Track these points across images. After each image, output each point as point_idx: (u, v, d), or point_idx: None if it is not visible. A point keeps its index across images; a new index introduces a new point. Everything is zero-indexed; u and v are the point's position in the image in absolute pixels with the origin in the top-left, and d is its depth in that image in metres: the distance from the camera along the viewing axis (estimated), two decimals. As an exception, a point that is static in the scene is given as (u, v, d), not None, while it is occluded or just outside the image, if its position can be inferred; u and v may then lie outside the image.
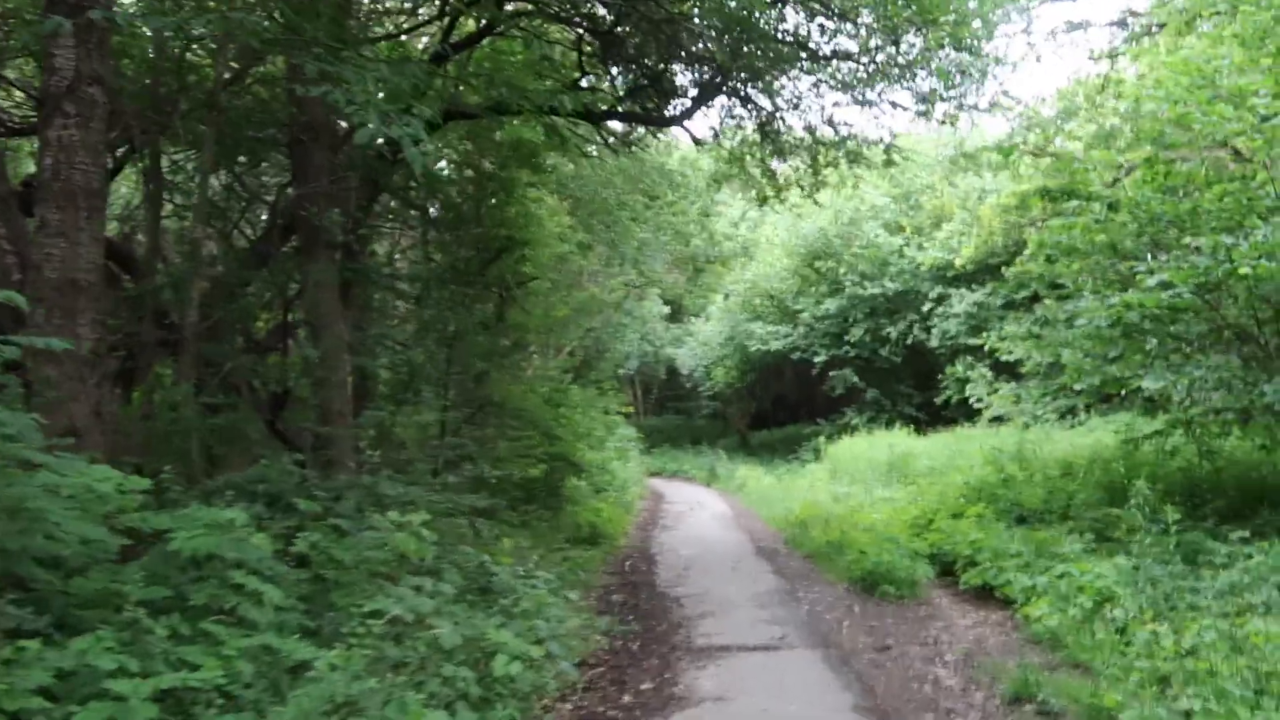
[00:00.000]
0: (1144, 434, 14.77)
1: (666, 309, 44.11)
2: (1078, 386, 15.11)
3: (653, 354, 46.21)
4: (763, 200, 19.28)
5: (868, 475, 23.50)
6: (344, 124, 11.09)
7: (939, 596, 13.11)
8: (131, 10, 6.67)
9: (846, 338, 34.22)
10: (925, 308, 32.28)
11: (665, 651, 9.76)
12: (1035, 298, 30.49)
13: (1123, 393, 16.60)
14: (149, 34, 8.44)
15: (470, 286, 16.64)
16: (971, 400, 28.94)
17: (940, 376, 31.62)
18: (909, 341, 33.11)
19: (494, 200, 16.38)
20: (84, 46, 6.42)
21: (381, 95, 6.45)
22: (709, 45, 12.79)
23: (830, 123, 16.69)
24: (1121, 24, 25.65)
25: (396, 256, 18.28)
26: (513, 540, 13.37)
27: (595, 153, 20.37)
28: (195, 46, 9.81)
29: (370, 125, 6.02)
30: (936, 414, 32.74)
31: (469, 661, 6.94)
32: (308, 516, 7.07)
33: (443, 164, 17.70)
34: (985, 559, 12.90)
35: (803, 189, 18.84)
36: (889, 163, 18.28)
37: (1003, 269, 29.23)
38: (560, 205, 21.01)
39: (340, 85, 6.31)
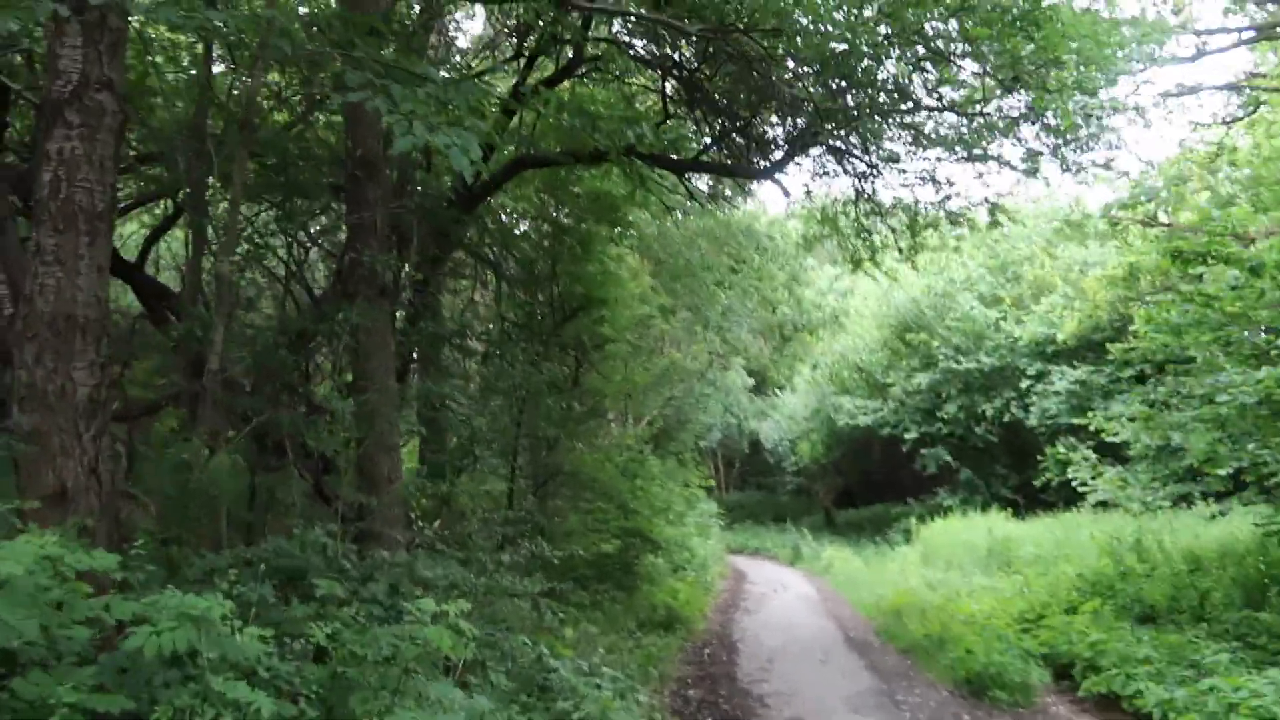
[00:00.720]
0: (1289, 527, 13.18)
1: (751, 380, 42.93)
2: (1220, 471, 13.59)
3: (736, 426, 44.91)
4: (856, 264, 18.12)
5: (964, 561, 21.98)
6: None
7: (1056, 705, 11.69)
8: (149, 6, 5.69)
9: (939, 414, 32.68)
10: (1023, 385, 30.69)
11: (750, 766, 8.52)
12: (1142, 377, 28.92)
13: (1247, 480, 15.12)
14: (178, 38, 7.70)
15: (544, 346, 15.65)
16: (1074, 483, 27.23)
17: (1040, 457, 29.90)
18: (1005, 420, 31.46)
19: (571, 256, 15.41)
20: (92, 46, 5.54)
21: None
22: (804, 87, 11.73)
23: (931, 178, 15.52)
24: (1236, 89, 24.15)
25: (467, 314, 17.34)
26: (579, 625, 12.19)
27: (679, 211, 19.46)
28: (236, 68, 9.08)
29: (412, 134, 5.03)
30: (1034, 497, 30.96)
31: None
32: (330, 600, 6.01)
33: (517, 218, 16.89)
34: (1109, 663, 11.48)
35: (900, 251, 17.65)
36: (994, 224, 17.04)
37: (1107, 345, 27.72)
38: (642, 265, 20.06)
39: (383, 95, 5.34)
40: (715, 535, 30.83)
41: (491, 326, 17.79)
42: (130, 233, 15.62)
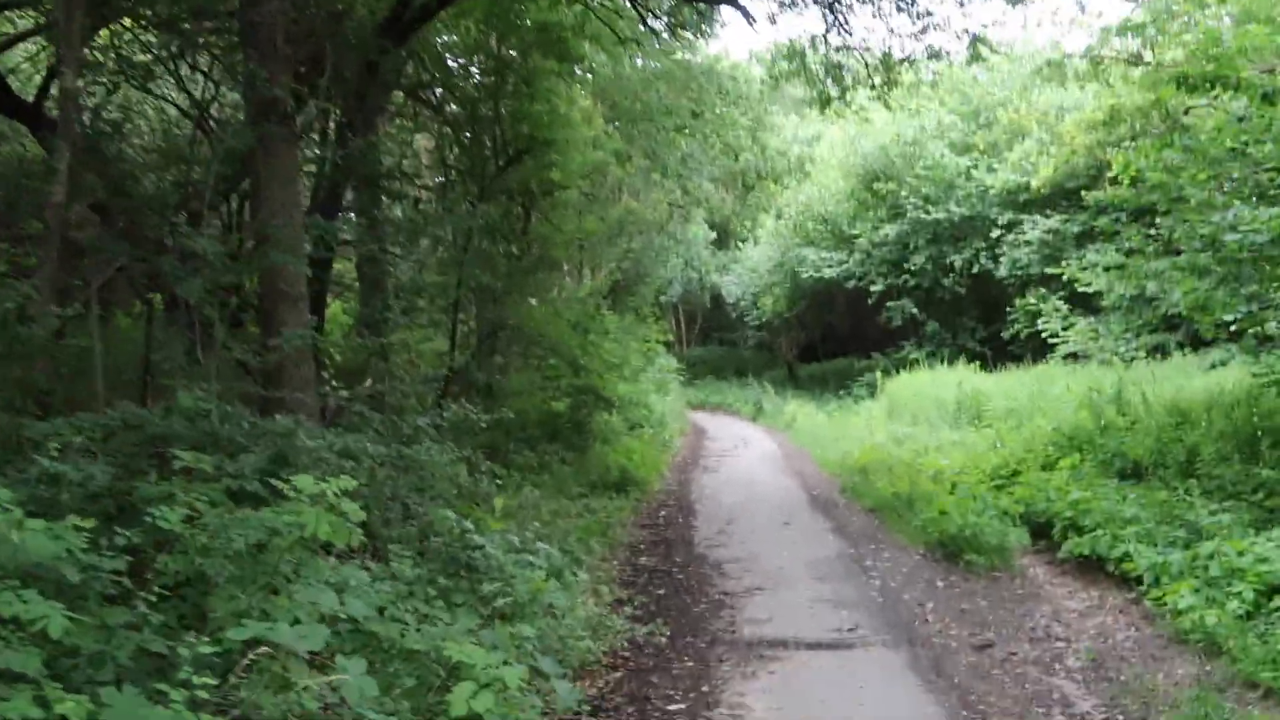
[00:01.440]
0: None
1: (713, 234, 41.65)
2: (1213, 320, 12.64)
3: (697, 280, 43.75)
4: (825, 103, 16.82)
5: (932, 415, 21.16)
6: None
7: (1034, 567, 10.90)
8: None
9: (906, 265, 31.55)
10: (994, 235, 29.61)
11: (704, 648, 7.56)
12: (1116, 225, 27.92)
13: (1244, 328, 14.17)
14: None
15: (486, 191, 14.38)
16: (1044, 335, 26.44)
17: (1009, 309, 29.08)
18: (974, 271, 30.43)
19: (516, 95, 14.03)
20: None
21: None
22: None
23: (909, 4, 14.17)
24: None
25: (406, 158, 15.98)
26: (522, 492, 11.22)
27: (635, 52, 18.02)
28: None
29: None
30: (1002, 349, 30.22)
31: (418, 691, 4.79)
32: (191, 478, 4.91)
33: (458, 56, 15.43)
34: (1093, 523, 10.62)
35: (873, 88, 16.36)
36: (975, 57, 15.77)
37: (1082, 193, 26.63)
38: (595, 108, 18.64)
39: None
40: (675, 391, 29.97)
41: (429, 172, 16.51)
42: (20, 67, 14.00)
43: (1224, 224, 10.51)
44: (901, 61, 15.79)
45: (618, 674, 6.90)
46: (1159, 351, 22.55)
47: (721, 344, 54.10)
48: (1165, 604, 8.41)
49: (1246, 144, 12.23)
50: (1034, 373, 22.27)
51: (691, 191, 26.76)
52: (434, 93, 16.14)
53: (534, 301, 16.02)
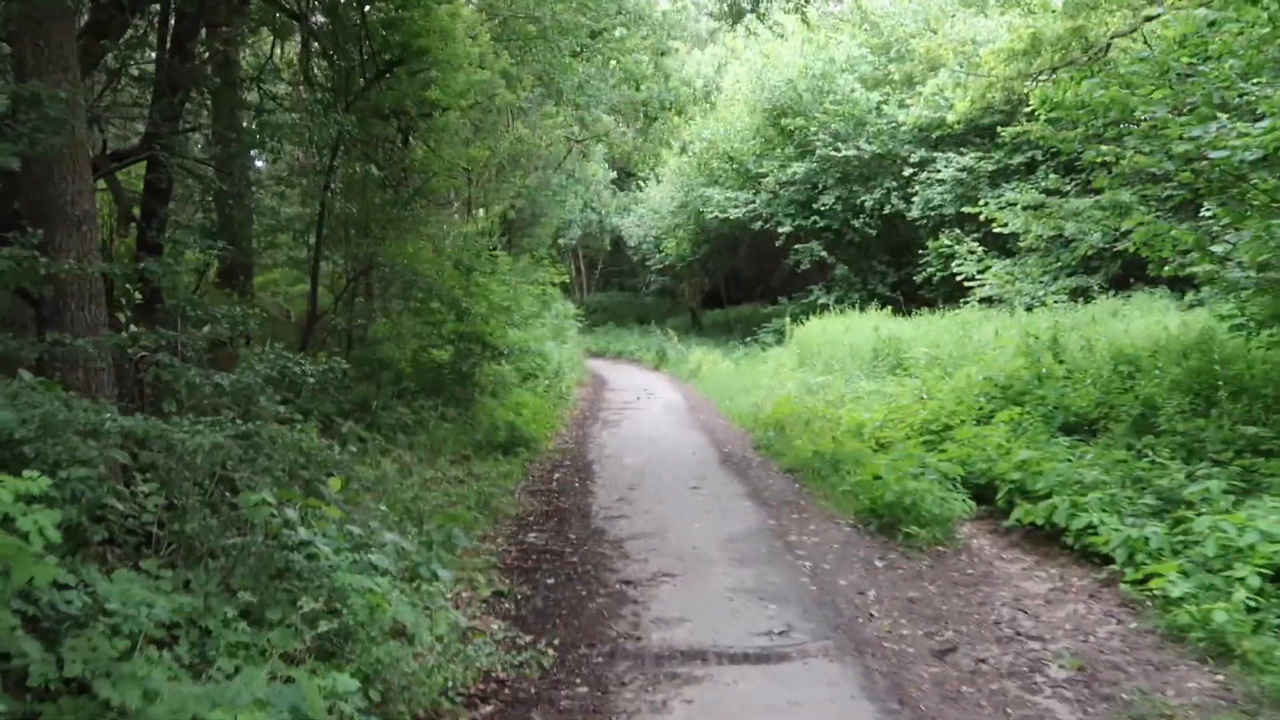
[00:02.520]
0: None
1: (613, 173, 39.86)
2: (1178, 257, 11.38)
3: (597, 223, 41.97)
4: (738, 16, 15.18)
5: (847, 363, 19.78)
6: None
7: (977, 538, 9.58)
8: None
9: (815, 206, 30.09)
10: (905, 174, 28.28)
11: (600, 664, 5.97)
12: (1033, 164, 26.80)
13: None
14: None
15: (351, 109, 12.49)
16: (959, 278, 25.30)
17: (921, 252, 27.88)
18: (885, 212, 29.08)
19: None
20: None
21: None
22: None
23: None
24: None
25: (265, 73, 13.97)
26: (385, 459, 9.54)
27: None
28: None
29: None
30: (914, 294, 29.05)
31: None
32: None
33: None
34: (1044, 488, 9.30)
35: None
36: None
37: (999, 129, 25.40)
38: (481, 23, 16.77)
39: None
40: (574, 339, 28.29)
41: (291, 90, 14.55)
42: None
43: (1205, 140, 9.06)
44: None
45: (488, 707, 5.29)
46: (1081, 295, 21.47)
47: (623, 289, 52.55)
48: (1150, 590, 7.07)
49: (1210, 55, 10.92)
50: (955, 318, 21.02)
51: (590, 125, 24.96)
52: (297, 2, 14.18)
53: (414, 239, 14.25)
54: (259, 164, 16.58)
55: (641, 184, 39.54)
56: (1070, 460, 9.82)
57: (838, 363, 20.15)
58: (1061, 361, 13.15)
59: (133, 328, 6.59)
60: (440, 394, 13.78)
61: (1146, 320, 15.20)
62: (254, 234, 14.12)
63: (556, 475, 12.51)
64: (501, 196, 25.03)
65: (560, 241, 41.61)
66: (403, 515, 7.82)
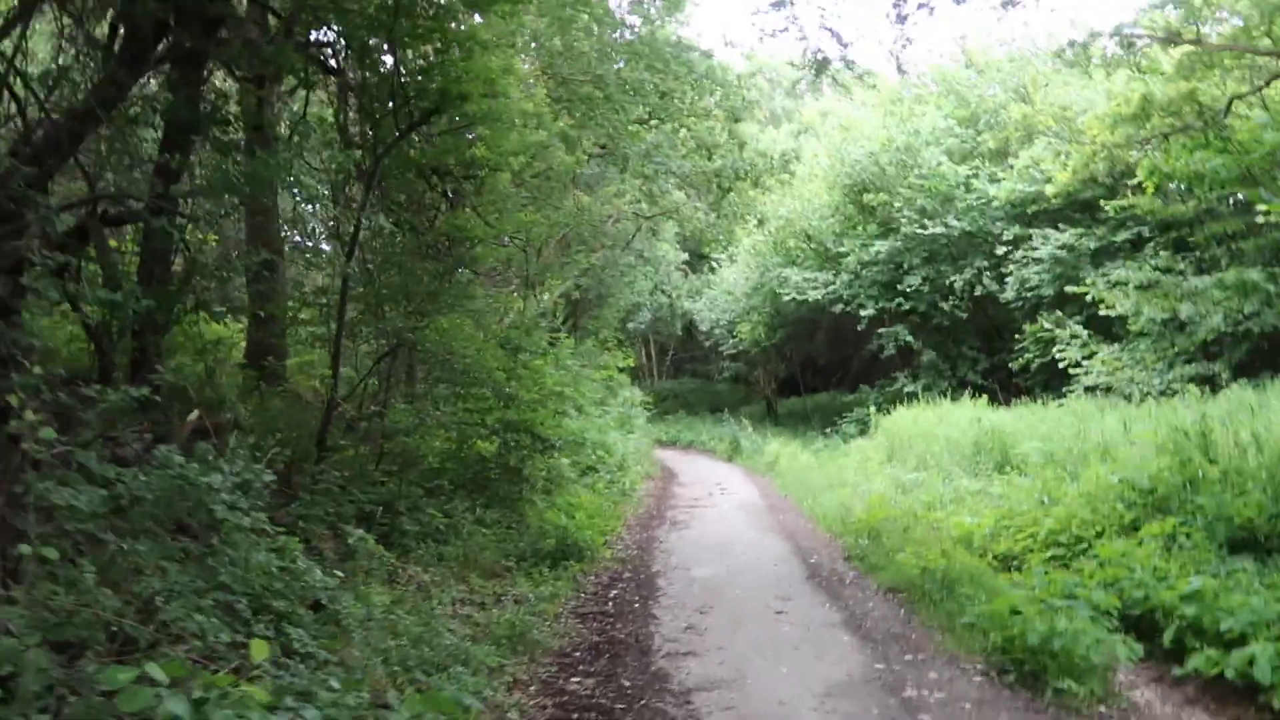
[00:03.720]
0: None
1: (684, 255, 38.26)
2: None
3: (668, 306, 40.29)
4: (820, 68, 13.48)
5: (943, 459, 17.68)
6: None
7: (1141, 689, 7.44)
8: None
9: (900, 287, 28.10)
10: (998, 252, 26.24)
11: None
12: (1140, 240, 24.67)
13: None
14: None
15: (386, 165, 10.90)
16: (1062, 365, 23.12)
17: (1017, 336, 25.74)
18: (976, 293, 26.99)
19: (419, 33, 10.54)
20: None
21: None
22: None
23: None
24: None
25: (298, 128, 12.45)
26: (384, 585, 7.72)
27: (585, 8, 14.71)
28: None
29: None
30: (1008, 382, 26.88)
31: None
32: None
33: None
34: (1235, 629, 7.21)
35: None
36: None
37: (1101, 203, 23.40)
38: (539, 79, 15.23)
39: None
40: (641, 428, 26.34)
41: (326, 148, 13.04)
42: None
43: None
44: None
45: None
46: (1206, 383, 19.17)
47: (695, 376, 50.68)
48: None
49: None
50: (1064, 409, 18.86)
51: (659, 199, 23.38)
52: (333, 52, 12.71)
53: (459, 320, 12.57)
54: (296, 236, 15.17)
55: (714, 265, 37.76)
56: (1252, 588, 7.73)
57: (933, 458, 18.06)
58: (1213, 462, 11.00)
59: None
60: (485, 492, 11.97)
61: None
62: (288, 308, 12.55)
63: (613, 592, 10.55)
64: (565, 275, 23.42)
65: (629, 326, 40.02)
66: (397, 669, 5.94)
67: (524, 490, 12.50)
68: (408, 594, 7.86)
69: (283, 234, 13.88)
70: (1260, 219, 11.79)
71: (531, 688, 7.12)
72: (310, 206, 13.41)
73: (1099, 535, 10.62)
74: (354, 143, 12.24)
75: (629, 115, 18.08)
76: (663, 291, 38.33)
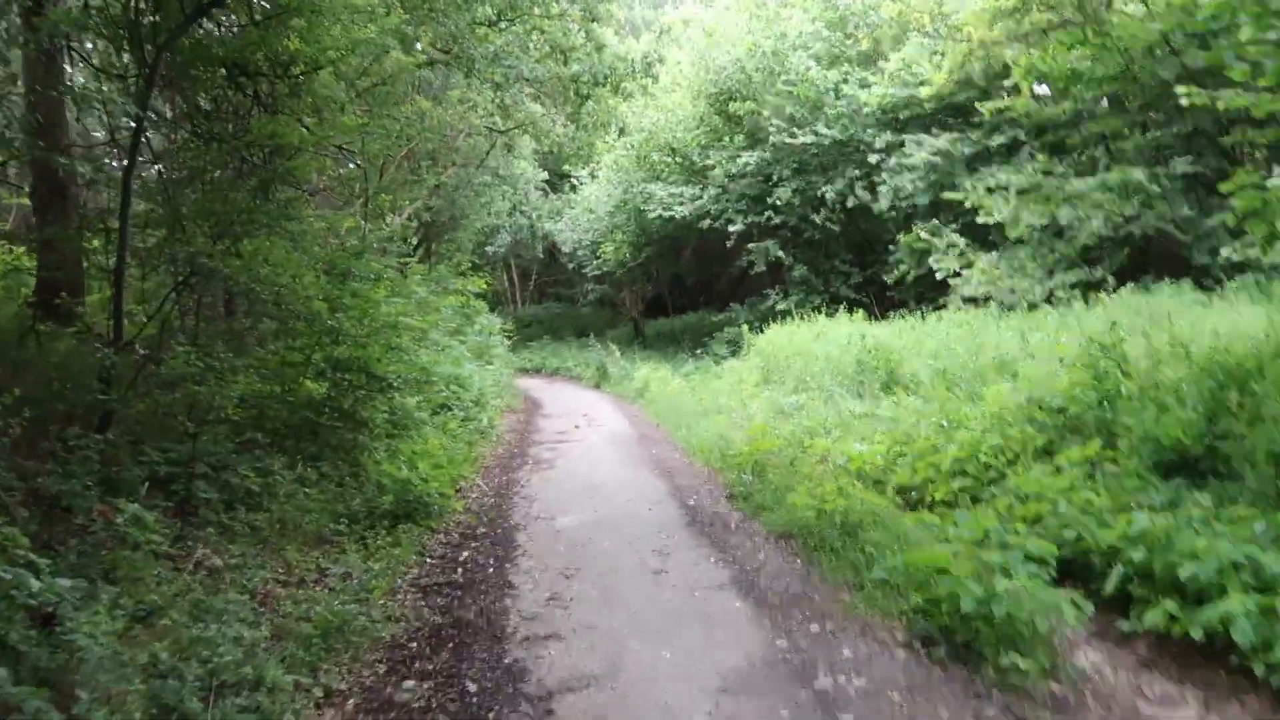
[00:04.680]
0: None
1: (544, 174, 36.39)
2: None
3: (528, 229, 38.44)
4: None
5: (825, 379, 16.52)
6: None
7: (1087, 652, 6.29)
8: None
9: (769, 201, 26.84)
10: (871, 160, 25.06)
11: None
12: (1014, 145, 23.74)
13: None
14: None
15: (167, 56, 9.02)
16: (941, 275, 22.16)
17: (892, 247, 24.74)
18: (848, 205, 25.84)
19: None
20: None
21: None
22: None
23: None
24: None
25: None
26: (148, 589, 6.06)
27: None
28: None
29: None
30: (881, 295, 25.93)
31: None
32: None
33: None
34: (1204, 579, 6.06)
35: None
36: None
37: (977, 105, 22.32)
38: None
39: None
40: (502, 357, 24.62)
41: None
42: None
43: None
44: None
45: None
46: (1092, 289, 18.30)
47: (559, 300, 48.99)
48: None
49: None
50: (954, 321, 17.87)
51: (513, 111, 21.55)
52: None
53: (279, 245, 10.76)
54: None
55: (576, 184, 35.91)
56: (1222, 531, 6.58)
57: (812, 379, 16.89)
58: (1128, 376, 9.91)
59: None
60: (316, 441, 10.29)
61: (1219, 318, 12.00)
62: (81, 234, 10.57)
63: (464, 555, 9.00)
64: (413, 195, 21.52)
65: (488, 250, 38.14)
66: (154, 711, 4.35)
67: (360, 438, 10.83)
68: (196, 583, 6.23)
69: (71, 147, 11.78)
70: (1184, 104, 10.73)
71: (350, 702, 5.59)
72: (102, 116, 11.32)
73: (1010, 463, 9.47)
74: (136, 31, 10.25)
75: (473, 13, 16.23)
76: (521, 213, 36.49)
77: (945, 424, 10.88)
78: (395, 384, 10.95)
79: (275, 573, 7.19)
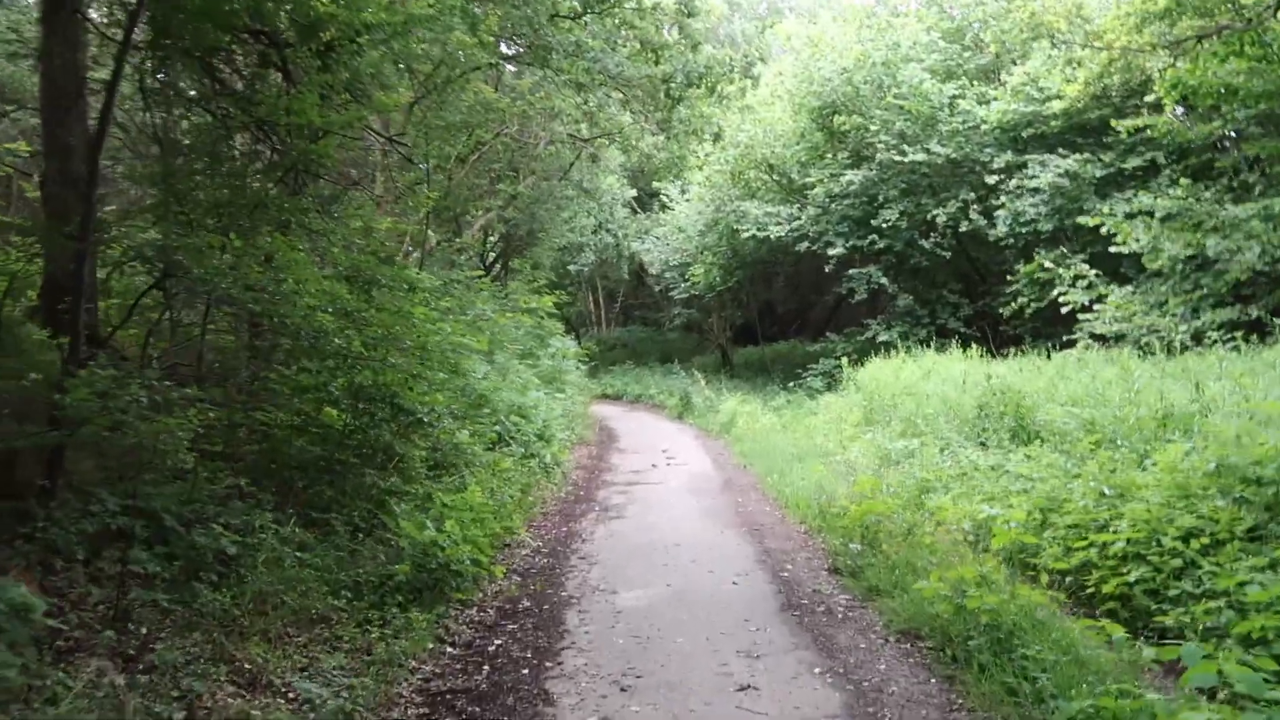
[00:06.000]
0: None
1: (632, 191, 34.56)
2: None
3: (614, 247, 36.54)
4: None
5: (937, 423, 14.41)
6: None
7: None
8: None
9: (873, 223, 24.59)
10: (990, 181, 22.79)
11: None
12: (1153, 168, 21.39)
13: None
14: None
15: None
16: (1066, 309, 19.87)
17: (1010, 277, 22.43)
18: (961, 229, 23.60)
19: None
20: None
21: None
22: None
23: None
24: None
25: None
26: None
27: None
28: None
29: None
30: (993, 329, 23.61)
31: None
32: None
33: None
34: None
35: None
36: None
37: (1113, 123, 20.04)
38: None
39: None
40: (574, 384, 22.62)
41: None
42: None
43: None
44: None
45: None
46: (1253, 330, 15.89)
47: (645, 324, 47.01)
48: None
49: None
50: (1088, 360, 15.63)
51: (598, 117, 19.74)
52: None
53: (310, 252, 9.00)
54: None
55: (665, 201, 33.87)
56: None
57: (924, 422, 14.77)
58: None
59: None
60: (333, 487, 8.44)
61: None
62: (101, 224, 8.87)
63: (495, 644, 7.04)
64: (485, 205, 19.78)
65: (571, 268, 36.43)
66: None
67: (388, 481, 8.96)
68: (90, 706, 4.36)
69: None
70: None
71: None
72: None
73: (1205, 551, 7.30)
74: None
75: (557, 5, 14.50)
76: (607, 230, 34.67)
77: (1106, 491, 8.72)
78: (425, 417, 9.04)
79: (227, 678, 5.31)
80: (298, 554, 6.96)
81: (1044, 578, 7.82)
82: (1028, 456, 11.22)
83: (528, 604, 8.08)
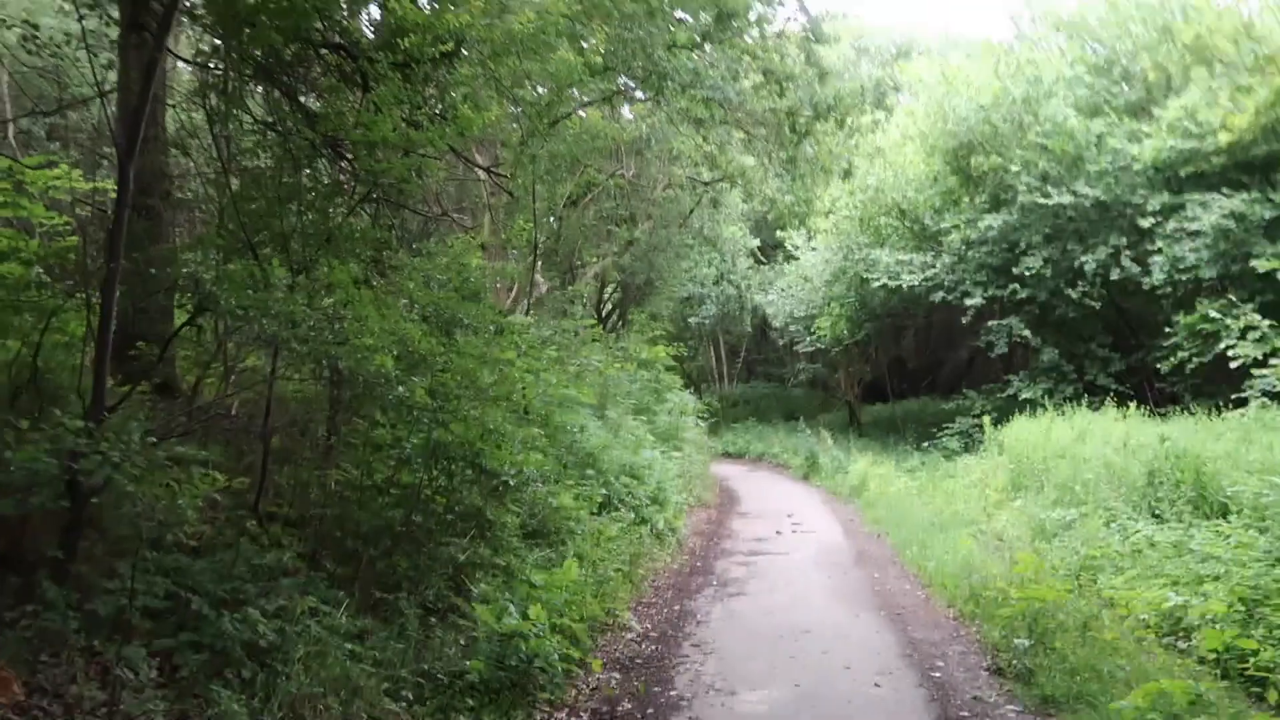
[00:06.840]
0: None
1: (755, 240, 33.22)
2: None
3: (736, 299, 35.19)
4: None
5: (1099, 490, 12.77)
6: None
7: None
8: None
9: (1015, 271, 22.89)
10: (1142, 225, 21.00)
11: None
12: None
13: None
14: None
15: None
16: (1236, 363, 17.97)
17: (1168, 329, 20.53)
18: (1111, 278, 21.78)
19: None
20: None
21: None
22: None
23: None
24: None
25: None
26: None
27: None
28: None
29: None
30: (1147, 385, 21.69)
31: None
32: None
33: None
34: None
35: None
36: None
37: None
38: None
39: None
40: (692, 441, 21.21)
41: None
42: None
43: None
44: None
45: None
46: None
47: (768, 380, 45.46)
48: None
49: None
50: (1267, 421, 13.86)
51: (719, 159, 18.60)
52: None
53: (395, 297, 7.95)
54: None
55: (791, 252, 32.39)
56: None
57: (1084, 489, 13.12)
58: None
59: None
60: (408, 559, 7.29)
61: None
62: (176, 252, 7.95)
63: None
64: (600, 251, 18.74)
65: (692, 320, 35.24)
66: None
67: (476, 553, 7.77)
68: None
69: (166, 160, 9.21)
70: None
71: None
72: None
73: None
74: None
75: (675, 36, 13.43)
76: (730, 281, 33.39)
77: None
78: (512, 480, 7.84)
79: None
80: (350, 645, 5.77)
81: (1274, 695, 6.26)
82: (1217, 533, 9.63)
83: (629, 706, 6.77)
